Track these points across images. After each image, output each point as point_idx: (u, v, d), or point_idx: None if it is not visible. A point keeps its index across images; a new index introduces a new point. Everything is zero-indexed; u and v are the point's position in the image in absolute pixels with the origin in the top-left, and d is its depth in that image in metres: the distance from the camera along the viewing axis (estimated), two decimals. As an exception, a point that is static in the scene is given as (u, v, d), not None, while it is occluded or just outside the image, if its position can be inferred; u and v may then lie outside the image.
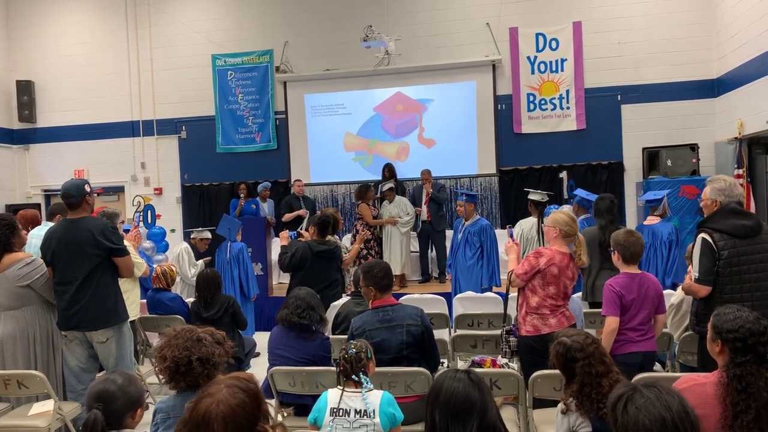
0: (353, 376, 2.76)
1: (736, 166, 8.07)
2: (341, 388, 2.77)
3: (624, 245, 3.56)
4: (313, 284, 5.22)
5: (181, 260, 6.77)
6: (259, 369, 5.00)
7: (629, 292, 3.45)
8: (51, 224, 4.82)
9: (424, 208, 8.53)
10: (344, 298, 5.09)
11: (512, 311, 4.21)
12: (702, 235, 3.42)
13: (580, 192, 6.07)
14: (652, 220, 5.63)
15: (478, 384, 2.08)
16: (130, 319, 4.45)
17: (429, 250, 8.77)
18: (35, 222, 5.44)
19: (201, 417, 1.63)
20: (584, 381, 2.59)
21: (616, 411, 1.68)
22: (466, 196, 6.32)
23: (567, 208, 7.79)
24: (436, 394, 2.09)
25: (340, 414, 2.69)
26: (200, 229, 7.34)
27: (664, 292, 4.41)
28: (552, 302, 3.68)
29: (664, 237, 5.51)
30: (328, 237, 5.63)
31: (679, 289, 4.05)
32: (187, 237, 7.28)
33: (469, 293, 5.60)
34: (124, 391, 2.20)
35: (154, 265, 5.69)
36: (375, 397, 2.73)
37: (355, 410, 2.69)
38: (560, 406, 2.65)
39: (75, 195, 3.92)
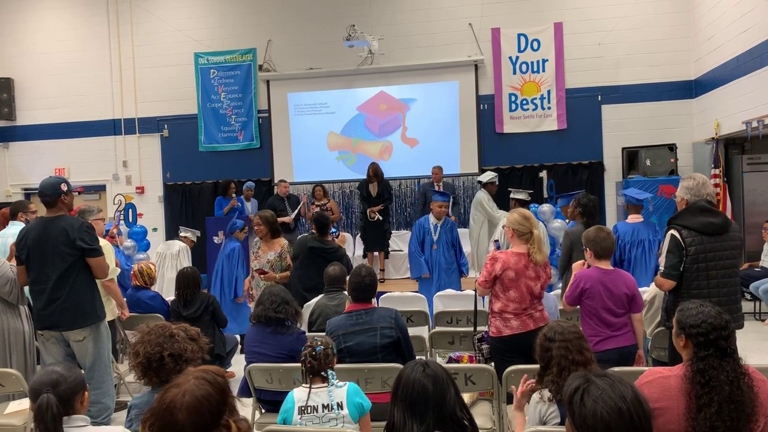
0: (322, 373, 2.79)
1: (713, 165, 8.21)
2: (308, 385, 2.79)
3: (594, 241, 3.63)
4: (308, 279, 5.34)
5: (182, 257, 6.88)
6: (240, 367, 5.00)
7: (593, 285, 3.50)
8: (18, 224, 4.79)
9: None
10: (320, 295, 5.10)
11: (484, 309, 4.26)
12: (671, 231, 3.51)
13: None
14: (635, 218, 5.65)
15: (432, 377, 2.09)
16: (108, 319, 4.44)
17: None
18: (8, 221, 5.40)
19: (166, 406, 1.65)
20: (561, 364, 2.59)
21: (574, 404, 1.72)
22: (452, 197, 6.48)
23: (547, 207, 7.88)
24: (395, 388, 2.13)
25: (309, 411, 2.72)
26: (191, 230, 7.73)
27: (645, 289, 4.49)
28: (515, 306, 3.67)
29: (650, 235, 5.54)
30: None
31: (652, 285, 4.12)
32: (174, 234, 7.35)
33: (449, 291, 5.65)
34: (69, 373, 2.24)
35: (133, 264, 5.68)
36: (341, 390, 2.76)
37: (323, 405, 2.72)
38: (535, 393, 2.70)
39: (49, 194, 3.90)
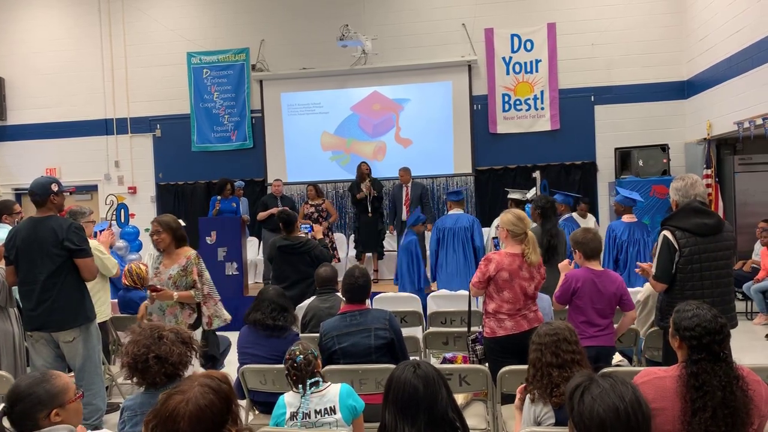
0: (308, 380, 2.76)
1: (705, 166, 8.25)
2: (298, 390, 2.76)
3: (583, 243, 3.70)
4: (285, 278, 5.35)
5: None
6: (232, 368, 4.97)
7: (584, 285, 3.58)
8: (5, 226, 4.75)
9: (404, 208, 8.54)
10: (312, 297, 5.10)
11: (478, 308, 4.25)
12: (664, 232, 3.50)
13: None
14: (630, 218, 5.68)
15: (423, 377, 2.08)
16: (101, 320, 4.40)
17: None
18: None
19: (169, 413, 1.66)
20: (536, 366, 2.64)
21: (573, 400, 1.73)
22: None
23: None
24: (387, 390, 2.12)
25: (301, 416, 2.70)
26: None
27: (639, 289, 4.50)
28: (510, 306, 3.66)
29: (644, 235, 5.57)
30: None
31: (646, 285, 4.13)
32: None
33: (443, 291, 5.65)
34: (31, 390, 2.11)
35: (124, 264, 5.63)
36: (333, 393, 2.74)
37: (315, 410, 2.69)
38: (528, 395, 2.70)
39: (39, 194, 3.87)
